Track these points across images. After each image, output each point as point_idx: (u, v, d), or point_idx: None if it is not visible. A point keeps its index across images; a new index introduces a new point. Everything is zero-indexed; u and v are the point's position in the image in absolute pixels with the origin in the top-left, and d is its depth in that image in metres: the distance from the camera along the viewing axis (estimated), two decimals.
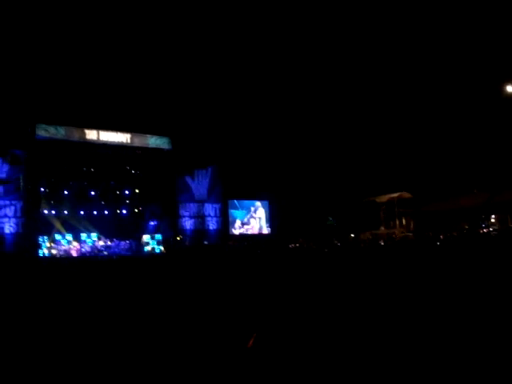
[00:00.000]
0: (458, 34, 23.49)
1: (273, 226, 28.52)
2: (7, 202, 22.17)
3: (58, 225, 24.15)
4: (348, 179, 27.04)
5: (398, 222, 27.85)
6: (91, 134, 24.24)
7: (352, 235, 26.19)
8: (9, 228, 22.02)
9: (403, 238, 24.05)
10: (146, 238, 25.55)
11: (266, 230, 28.64)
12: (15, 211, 22.30)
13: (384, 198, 27.95)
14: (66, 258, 22.70)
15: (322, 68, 25.47)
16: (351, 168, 27.00)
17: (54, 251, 23.17)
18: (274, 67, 25.18)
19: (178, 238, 25.56)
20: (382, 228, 27.85)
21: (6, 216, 22.00)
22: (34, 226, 22.70)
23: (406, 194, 27.07)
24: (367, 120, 26.84)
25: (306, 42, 25.51)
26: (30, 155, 22.28)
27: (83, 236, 24.74)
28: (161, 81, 24.30)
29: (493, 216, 24.98)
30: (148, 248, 25.14)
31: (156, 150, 25.48)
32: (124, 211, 26.25)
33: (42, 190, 23.85)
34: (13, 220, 22.22)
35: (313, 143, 26.97)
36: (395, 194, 27.27)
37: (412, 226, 27.33)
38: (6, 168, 22.02)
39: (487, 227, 24.22)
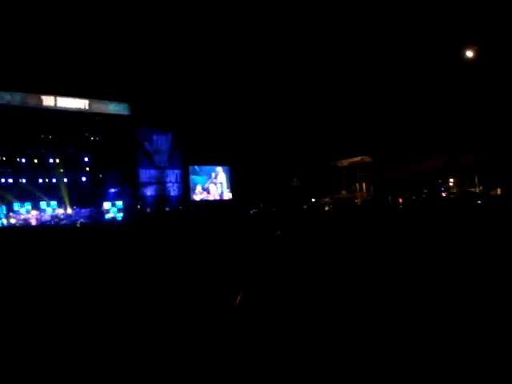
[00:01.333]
0: None
1: (234, 191, 28.52)
2: None
3: (15, 193, 23.88)
4: (309, 143, 26.98)
5: (358, 187, 27.89)
6: (48, 100, 23.87)
7: (313, 199, 26.17)
8: None
9: (364, 202, 24.13)
10: (106, 205, 25.26)
11: (227, 196, 28.67)
12: None
13: (345, 162, 27.93)
14: (26, 226, 22.43)
15: (282, 26, 25.05)
16: (313, 131, 26.90)
17: (12, 220, 22.92)
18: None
19: (139, 206, 25.45)
20: (344, 192, 27.91)
21: None
22: None
23: (368, 159, 27.03)
24: (331, 83, 26.66)
25: None
26: None
27: (43, 204, 24.49)
28: (119, 45, 23.75)
29: (451, 180, 25.17)
30: (109, 215, 24.92)
31: (115, 116, 25.20)
32: (83, 178, 25.96)
33: None
34: None
35: (274, 106, 26.70)
36: (357, 158, 27.24)
37: (372, 191, 27.40)
38: None
39: (446, 191, 24.45)
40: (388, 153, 26.29)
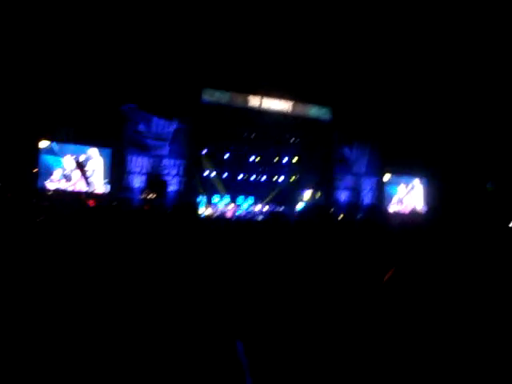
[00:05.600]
0: None
1: (429, 205, 27.45)
2: (172, 162, 23.32)
3: (216, 186, 25.21)
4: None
5: None
6: (254, 101, 24.77)
7: None
8: (173, 186, 23.17)
9: None
10: (299, 205, 25.77)
11: (421, 209, 27.68)
12: (178, 170, 23.41)
13: None
14: (223, 218, 23.51)
15: None
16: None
17: (210, 211, 24.21)
18: None
19: (331, 211, 25.52)
20: None
21: (169, 174, 23.18)
22: (194, 185, 23.79)
23: None
24: None
25: None
26: (196, 118, 23.15)
27: (240, 199, 25.60)
28: (325, 50, 23.94)
29: None
30: None
31: (316, 120, 25.48)
32: (281, 178, 26.69)
33: (204, 152, 24.88)
34: (176, 178, 23.37)
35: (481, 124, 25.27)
36: None
37: None
38: (172, 129, 23.13)
39: None
40: None
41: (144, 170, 22.48)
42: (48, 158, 21.00)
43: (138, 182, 22.34)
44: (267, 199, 25.99)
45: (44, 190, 20.58)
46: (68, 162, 21.50)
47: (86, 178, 21.77)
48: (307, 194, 26.07)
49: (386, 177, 26.88)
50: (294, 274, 4.77)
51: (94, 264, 4.55)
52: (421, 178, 27.66)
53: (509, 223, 20.13)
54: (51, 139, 21.06)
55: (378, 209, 25.89)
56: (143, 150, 22.66)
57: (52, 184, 21.00)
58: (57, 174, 21.06)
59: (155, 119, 22.78)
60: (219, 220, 23.53)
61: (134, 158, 22.47)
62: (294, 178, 26.89)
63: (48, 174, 20.96)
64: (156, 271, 4.67)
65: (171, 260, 5.11)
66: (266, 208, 25.51)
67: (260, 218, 23.91)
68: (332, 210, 25.51)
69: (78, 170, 21.46)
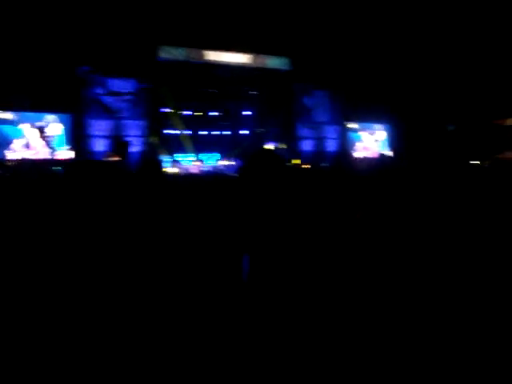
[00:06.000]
0: None
1: (393, 149, 27.75)
2: (133, 123, 23.03)
3: (180, 145, 25.02)
4: (472, 99, 25.43)
5: None
6: (212, 55, 24.45)
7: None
8: (136, 147, 22.91)
9: None
10: None
11: (387, 153, 27.95)
12: (140, 131, 23.16)
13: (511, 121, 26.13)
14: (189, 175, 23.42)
15: None
16: (476, 87, 25.30)
17: (175, 169, 24.07)
18: None
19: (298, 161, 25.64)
20: (508, 153, 26.15)
21: (132, 135, 22.91)
22: (157, 145, 23.61)
23: None
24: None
25: None
26: (154, 76, 22.82)
27: (204, 156, 25.50)
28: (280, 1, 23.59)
29: None
30: None
31: (276, 71, 25.33)
32: (244, 132, 26.60)
33: (164, 110, 24.59)
34: (138, 139, 23.12)
35: (435, 59, 25.39)
36: None
37: None
38: (130, 90, 22.78)
39: None
40: None
41: (106, 133, 22.20)
42: (6, 128, 20.39)
43: (100, 145, 22.06)
44: (232, 154, 25.90)
45: (4, 160, 19.73)
46: (27, 130, 20.96)
47: (48, 145, 21.36)
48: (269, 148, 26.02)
49: (350, 124, 27.01)
50: (271, 221, 4.82)
51: (66, 226, 4.53)
52: (384, 123, 27.87)
53: (469, 160, 20.60)
54: (7, 109, 20.43)
55: (345, 155, 26.03)
56: (103, 112, 22.33)
57: (13, 154, 20.44)
58: (17, 143, 20.56)
59: (112, 80, 22.40)
60: (186, 176, 23.63)
61: (95, 122, 22.14)
62: (257, 131, 26.80)
63: (7, 144, 20.40)
64: (128, 228, 4.68)
65: (141, 218, 5.11)
66: (232, 163, 25.46)
67: (226, 173, 23.94)
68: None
69: (39, 138, 21.00)
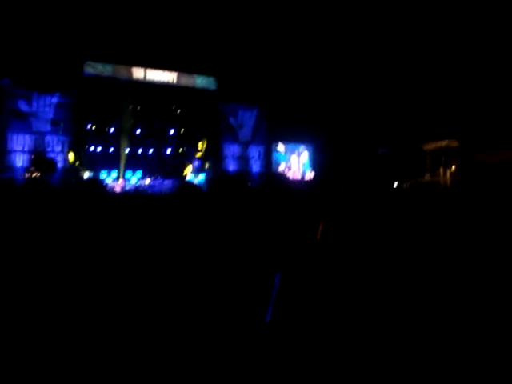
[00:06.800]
0: None
1: (316, 171, 28.30)
2: (55, 138, 22.54)
3: (103, 162, 24.56)
4: (394, 124, 26.45)
5: (442, 172, 27.08)
6: (138, 72, 24.35)
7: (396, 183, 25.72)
8: (58, 163, 22.38)
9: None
10: (189, 177, 25.74)
11: (308, 175, 28.49)
12: (62, 147, 22.68)
13: (431, 146, 27.23)
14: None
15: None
16: (397, 113, 26.35)
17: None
18: None
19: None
20: (428, 176, 27.22)
21: (53, 151, 22.40)
22: (80, 161, 23.16)
23: (454, 143, 26.29)
24: (422, 62, 25.98)
25: None
26: (79, 92, 22.46)
27: (128, 174, 25.11)
28: (208, 20, 23.85)
29: None
30: None
31: (202, 91, 25.46)
32: (168, 150, 26.42)
33: (89, 127, 24.15)
34: (60, 155, 22.62)
35: (361, 84, 26.30)
36: (443, 142, 26.53)
37: (457, 176, 26.57)
38: (54, 104, 22.31)
39: None
40: (476, 138, 25.38)
41: (27, 148, 21.63)
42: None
43: (20, 160, 21.47)
44: (157, 172, 25.64)
45: None
46: None
47: None
48: (189, 169, 26.06)
49: (274, 144, 27.39)
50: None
51: None
52: (308, 144, 28.39)
53: (391, 181, 21.29)
54: None
55: (280, 175, 26.38)
56: (24, 127, 21.75)
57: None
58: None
59: (35, 94, 21.89)
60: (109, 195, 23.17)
61: (15, 136, 21.53)
62: (181, 149, 26.70)
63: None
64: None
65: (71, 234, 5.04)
66: (154, 182, 25.19)
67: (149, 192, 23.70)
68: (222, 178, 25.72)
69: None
